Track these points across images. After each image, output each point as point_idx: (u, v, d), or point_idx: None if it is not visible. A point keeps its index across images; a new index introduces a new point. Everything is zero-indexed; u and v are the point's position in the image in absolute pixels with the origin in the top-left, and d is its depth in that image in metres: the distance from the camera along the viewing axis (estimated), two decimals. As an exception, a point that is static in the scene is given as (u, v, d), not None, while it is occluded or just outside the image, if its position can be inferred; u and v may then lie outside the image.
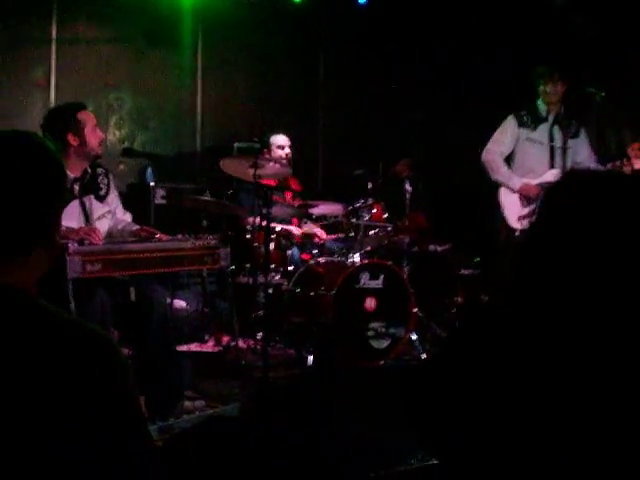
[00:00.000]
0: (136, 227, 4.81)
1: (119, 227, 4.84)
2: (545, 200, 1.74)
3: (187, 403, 4.67)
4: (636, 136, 7.10)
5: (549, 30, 7.98)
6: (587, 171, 1.83)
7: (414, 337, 6.25)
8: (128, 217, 5.00)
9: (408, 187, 6.80)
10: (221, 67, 8.40)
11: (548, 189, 1.78)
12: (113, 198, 4.90)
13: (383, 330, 6.09)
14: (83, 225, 4.54)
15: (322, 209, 6.62)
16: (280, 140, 7.00)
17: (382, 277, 6.12)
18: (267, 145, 6.97)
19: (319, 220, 7.04)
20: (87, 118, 4.62)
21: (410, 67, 9.02)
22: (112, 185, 4.91)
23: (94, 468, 1.42)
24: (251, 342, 6.18)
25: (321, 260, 6.47)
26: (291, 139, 7.10)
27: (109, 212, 4.81)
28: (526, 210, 6.34)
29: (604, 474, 1.47)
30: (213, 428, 3.76)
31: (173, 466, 3.24)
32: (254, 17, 8.27)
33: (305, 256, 6.82)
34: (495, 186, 6.58)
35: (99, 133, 4.69)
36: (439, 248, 7.77)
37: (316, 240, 6.83)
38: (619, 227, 1.58)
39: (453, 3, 8.56)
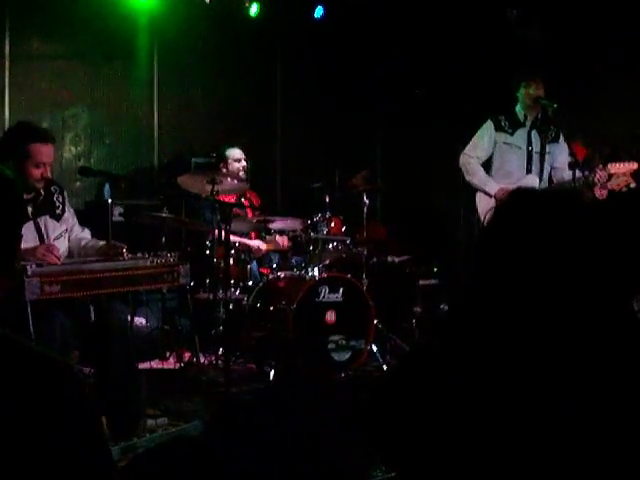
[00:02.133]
0: (102, 243, 4.77)
1: (82, 244, 4.79)
2: (493, 217, 1.78)
3: (149, 421, 4.65)
4: (589, 148, 7.22)
5: (504, 42, 8.10)
6: (534, 190, 1.89)
7: (375, 349, 6.29)
8: (87, 233, 4.94)
9: (365, 200, 6.83)
10: (178, 81, 8.39)
11: (497, 206, 1.83)
12: (69, 216, 4.85)
13: (344, 343, 6.13)
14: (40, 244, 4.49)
15: (280, 224, 6.63)
16: (236, 154, 7.00)
17: (341, 290, 6.16)
18: (224, 158, 6.97)
19: (278, 234, 7.05)
20: (37, 153, 4.42)
21: (368, 79, 9.09)
22: (67, 203, 4.85)
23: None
24: (212, 358, 6.18)
25: (280, 274, 6.48)
26: (249, 153, 7.11)
27: (66, 231, 4.76)
28: None
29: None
30: (177, 447, 3.76)
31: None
32: (210, 31, 8.29)
33: (264, 270, 6.84)
34: (470, 191, 6.60)
35: (40, 171, 4.45)
36: (397, 259, 7.82)
37: (280, 248, 6.84)
38: (560, 246, 1.62)
39: (408, 14, 8.63)
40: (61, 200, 4.77)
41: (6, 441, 1.37)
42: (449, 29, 8.49)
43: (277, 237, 7.01)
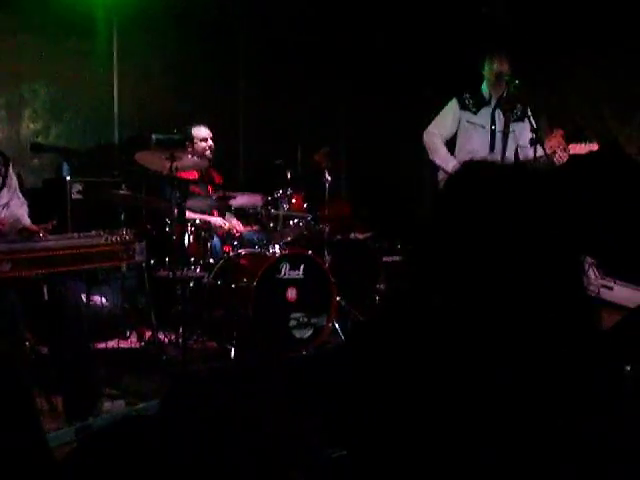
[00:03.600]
0: (21, 225, 4.59)
1: (11, 221, 4.62)
2: (444, 188, 1.75)
3: (106, 404, 4.59)
4: (552, 126, 7.20)
5: (467, 17, 8.06)
6: (484, 163, 1.84)
7: (337, 326, 6.27)
8: (24, 210, 4.75)
9: (327, 176, 6.78)
10: (138, 57, 8.25)
11: (448, 178, 1.79)
12: (9, 189, 4.67)
13: (305, 320, 6.11)
14: None
15: (241, 200, 6.57)
16: (203, 132, 6.94)
17: (302, 267, 6.12)
18: (190, 138, 6.90)
19: (238, 212, 6.98)
20: None
21: (332, 53, 9.02)
22: (11, 175, 4.68)
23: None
24: (172, 336, 6.13)
25: (242, 252, 6.43)
26: (211, 130, 7.04)
27: (7, 204, 4.61)
28: None
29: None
30: (130, 426, 3.70)
31: (87, 467, 3.18)
32: (171, 6, 8.14)
33: (226, 248, 6.78)
34: (431, 168, 6.57)
35: None
36: (361, 236, 7.80)
37: (234, 232, 6.78)
38: (509, 215, 1.59)
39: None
40: (3, 172, 4.62)
41: None
42: (416, 3, 8.43)
43: (233, 220, 6.92)
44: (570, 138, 6.19)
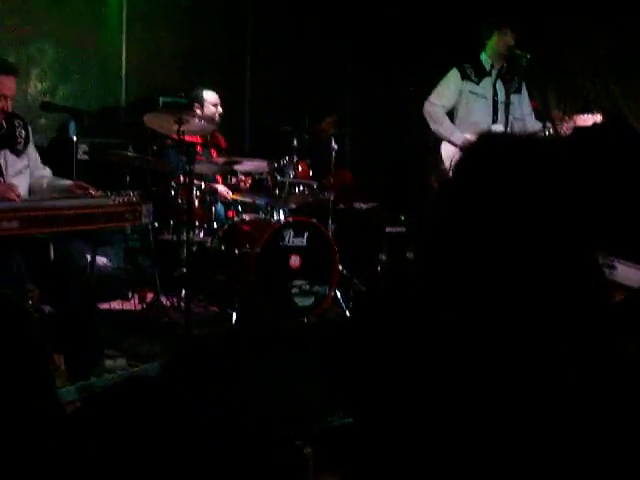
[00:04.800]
0: (68, 182, 4.68)
1: (44, 185, 4.70)
2: (459, 160, 1.75)
3: (108, 362, 4.63)
4: (559, 98, 7.20)
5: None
6: (501, 134, 1.85)
7: (338, 295, 6.29)
8: (48, 172, 4.86)
9: (334, 144, 6.77)
10: (147, 19, 8.21)
11: (463, 150, 1.79)
12: (32, 151, 4.75)
13: (307, 288, 6.13)
14: (2, 181, 4.41)
15: (247, 166, 6.56)
16: (213, 97, 6.95)
17: (306, 235, 6.14)
18: (199, 99, 6.89)
19: (244, 176, 6.99)
20: None
21: (339, 20, 8.98)
22: (31, 138, 4.75)
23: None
24: (174, 300, 6.16)
25: (246, 217, 6.45)
26: (218, 95, 7.04)
27: (27, 167, 4.66)
28: None
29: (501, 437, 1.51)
30: (132, 387, 3.74)
31: (91, 427, 3.21)
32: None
33: (230, 213, 6.79)
34: (434, 140, 6.56)
35: (2, 103, 4.37)
36: (364, 206, 7.80)
37: (225, 199, 6.77)
38: (526, 191, 1.60)
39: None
40: (24, 135, 4.65)
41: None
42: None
43: (219, 187, 6.90)
44: (577, 111, 6.22)
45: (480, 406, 1.52)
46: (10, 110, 4.46)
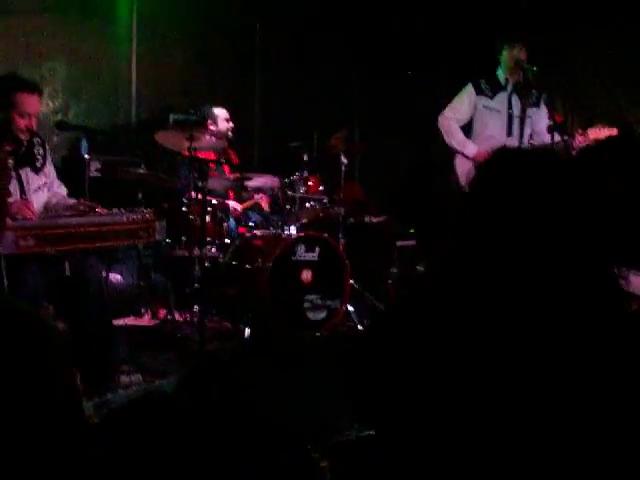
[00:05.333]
0: (72, 201, 4.75)
1: (54, 201, 4.78)
2: (476, 175, 1.78)
3: (123, 377, 4.66)
4: (567, 111, 7.23)
5: (490, 4, 8.06)
6: (514, 149, 1.88)
7: (350, 308, 6.32)
8: (63, 190, 4.92)
9: (344, 159, 6.81)
10: (156, 37, 8.28)
11: (479, 164, 1.82)
12: (50, 169, 4.82)
13: (319, 302, 6.15)
14: (19, 198, 4.47)
15: (258, 182, 6.61)
16: (224, 113, 7.03)
17: (318, 249, 6.17)
18: (212, 116, 6.96)
19: (256, 192, 7.04)
20: (23, 102, 4.43)
21: (347, 39, 9.03)
22: (48, 156, 4.82)
23: (28, 445, 1.43)
24: (187, 315, 6.19)
25: (257, 233, 6.48)
26: (228, 111, 7.12)
27: (45, 184, 4.73)
28: None
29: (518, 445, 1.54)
30: (150, 403, 3.77)
31: (110, 442, 3.24)
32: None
33: (242, 229, 6.83)
34: (448, 153, 6.61)
35: (26, 122, 4.47)
36: (375, 219, 7.83)
37: (234, 213, 6.82)
38: (542, 205, 1.62)
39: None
40: (42, 153, 4.74)
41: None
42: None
43: (255, 196, 7.03)
44: (586, 123, 6.23)
45: (501, 419, 1.54)
46: (34, 127, 4.53)
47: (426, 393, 1.64)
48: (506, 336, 1.56)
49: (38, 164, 4.70)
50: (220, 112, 6.99)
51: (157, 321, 6.27)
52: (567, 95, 7.67)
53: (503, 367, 1.55)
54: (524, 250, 1.60)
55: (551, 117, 6.02)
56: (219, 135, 6.32)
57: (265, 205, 7.06)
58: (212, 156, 6.80)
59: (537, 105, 6.51)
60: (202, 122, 6.90)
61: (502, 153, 1.79)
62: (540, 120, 6.48)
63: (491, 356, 1.57)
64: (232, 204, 6.77)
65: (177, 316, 6.16)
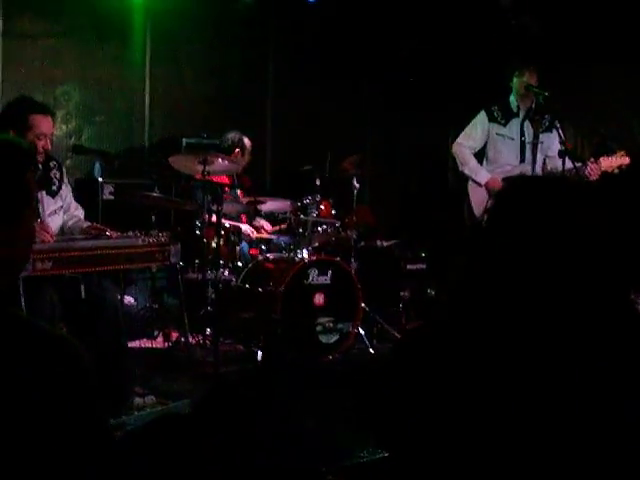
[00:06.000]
0: (86, 224, 4.79)
1: (70, 223, 4.81)
2: (493, 204, 1.80)
3: (137, 400, 4.67)
4: (577, 134, 7.27)
5: (497, 29, 8.12)
6: (532, 177, 1.90)
7: (362, 332, 6.33)
8: (80, 213, 4.94)
9: (355, 184, 6.85)
10: (169, 62, 8.37)
11: (496, 194, 1.85)
12: (66, 193, 4.85)
13: (331, 325, 6.17)
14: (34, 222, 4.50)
15: (270, 205, 6.66)
16: (250, 145, 7.11)
17: (330, 273, 6.20)
18: (241, 145, 7.02)
19: (268, 217, 7.09)
20: (38, 124, 4.46)
21: (359, 62, 9.10)
22: (64, 179, 4.86)
23: (55, 468, 1.45)
24: (200, 338, 6.21)
25: (270, 256, 6.51)
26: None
27: (61, 208, 4.76)
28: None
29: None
30: (165, 425, 3.79)
31: (126, 465, 3.26)
32: (203, 12, 8.26)
33: (254, 252, 6.86)
34: (464, 179, 6.64)
35: (42, 143, 4.50)
36: (386, 243, 7.85)
37: (262, 233, 6.87)
38: (559, 232, 1.65)
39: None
40: (58, 176, 4.78)
41: (10, 412, 1.41)
42: (444, 15, 8.49)
43: (263, 222, 7.07)
44: (598, 151, 6.25)
45: (523, 448, 1.55)
46: (50, 148, 4.57)
47: (444, 418, 1.66)
48: (525, 365, 1.58)
49: (54, 187, 4.73)
50: (248, 142, 7.06)
51: (169, 343, 6.28)
52: (578, 120, 7.70)
53: (523, 395, 1.57)
54: (542, 277, 1.62)
55: (562, 142, 6.05)
56: (242, 164, 6.41)
57: (267, 227, 7.12)
58: (226, 179, 6.84)
59: (549, 130, 6.53)
60: (214, 146, 6.95)
61: (519, 182, 1.81)
62: (553, 145, 6.51)
63: (510, 384, 1.59)
64: (246, 228, 6.81)
65: (190, 339, 6.17)
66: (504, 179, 6.18)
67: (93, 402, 1.56)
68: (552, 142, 6.50)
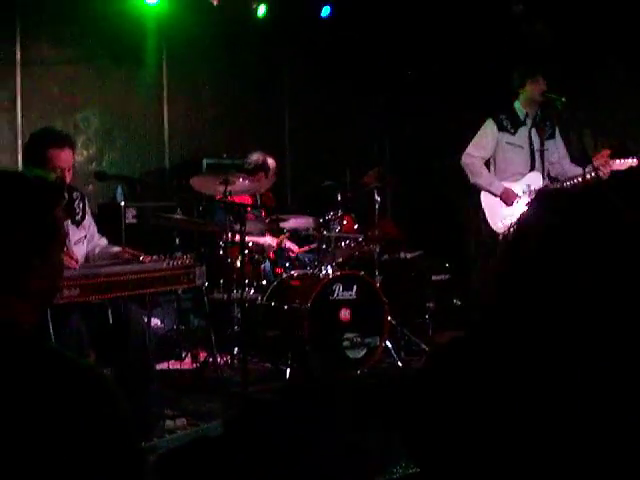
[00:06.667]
0: (116, 249, 4.83)
1: (97, 251, 4.85)
2: (518, 225, 1.77)
3: (168, 422, 4.68)
4: (597, 141, 7.24)
5: (510, 37, 8.10)
6: (558, 193, 1.87)
7: (389, 345, 6.32)
8: (103, 241, 5.00)
9: (377, 197, 6.84)
10: (186, 84, 8.44)
11: (520, 216, 1.81)
12: (89, 222, 4.91)
13: (358, 340, 6.16)
14: None
15: (293, 223, 6.66)
16: (274, 165, 7.13)
17: (355, 288, 6.19)
18: (265, 167, 7.04)
19: (292, 236, 7.10)
20: (55, 157, 4.50)
21: (376, 77, 9.11)
22: (87, 209, 4.91)
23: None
24: (228, 357, 6.22)
25: (294, 273, 6.51)
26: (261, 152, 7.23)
27: (85, 237, 4.82)
28: (507, 215, 6.35)
29: None
30: (198, 448, 3.80)
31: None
32: (218, 32, 8.31)
33: (278, 270, 6.87)
34: (474, 190, 6.60)
35: (60, 174, 4.52)
36: (409, 255, 7.85)
37: (290, 254, 6.89)
38: (591, 252, 1.62)
39: (414, 12, 8.65)
40: (81, 207, 4.84)
41: (44, 448, 1.42)
42: (456, 27, 8.49)
43: (289, 244, 7.10)
44: (616, 154, 6.22)
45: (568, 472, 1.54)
46: (68, 181, 4.60)
47: (479, 435, 1.65)
48: (563, 387, 1.56)
49: (78, 217, 4.79)
50: (273, 163, 7.09)
51: (198, 364, 6.29)
52: (596, 124, 7.67)
53: (562, 415, 1.56)
54: (577, 294, 1.61)
55: (578, 148, 6.06)
56: (266, 186, 6.46)
57: (294, 249, 7.14)
58: (248, 199, 6.86)
59: (553, 137, 6.55)
60: (238, 166, 6.99)
61: (546, 195, 1.80)
62: (555, 152, 6.52)
63: (546, 403, 1.57)
64: (267, 239, 6.83)
65: (218, 359, 6.18)
66: (538, 192, 6.21)
67: (125, 431, 1.57)
68: (555, 149, 6.51)
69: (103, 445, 1.49)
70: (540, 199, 1.78)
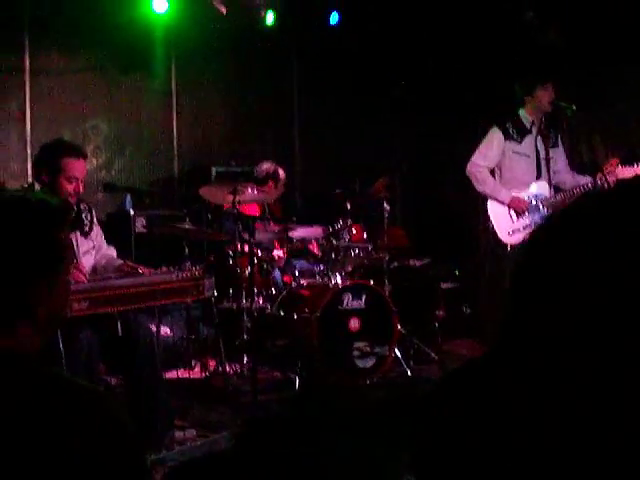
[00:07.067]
0: (119, 262, 4.84)
1: (103, 262, 4.86)
2: (531, 243, 1.73)
3: (178, 433, 4.69)
4: (607, 149, 7.22)
5: (520, 44, 8.08)
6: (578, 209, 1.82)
7: (399, 354, 6.31)
8: (112, 252, 5.00)
9: (386, 206, 6.83)
10: (195, 92, 8.46)
11: (533, 232, 1.78)
12: (97, 233, 4.92)
13: (368, 349, 6.15)
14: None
15: (302, 232, 6.67)
16: (284, 175, 7.13)
17: (364, 297, 6.18)
18: (275, 177, 7.05)
19: (300, 243, 7.10)
20: (69, 167, 4.50)
21: (385, 84, 9.11)
22: (95, 220, 4.92)
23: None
24: (237, 366, 6.22)
25: (303, 282, 6.51)
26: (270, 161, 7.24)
27: (93, 248, 4.82)
28: (516, 224, 6.31)
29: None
30: (209, 462, 3.80)
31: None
32: (227, 41, 8.32)
33: (287, 279, 6.87)
34: (481, 198, 6.56)
35: (73, 186, 4.51)
36: (418, 263, 7.84)
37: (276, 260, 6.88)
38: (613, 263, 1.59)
39: (424, 18, 8.64)
40: (89, 218, 4.85)
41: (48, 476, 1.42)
42: (467, 36, 8.48)
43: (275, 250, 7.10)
44: (625, 161, 6.19)
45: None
46: (82, 191, 4.62)
47: (494, 465, 1.62)
48: (584, 414, 1.53)
49: (86, 228, 4.80)
50: (282, 175, 7.09)
51: (207, 373, 6.30)
52: (607, 132, 7.65)
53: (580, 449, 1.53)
54: (612, 309, 1.57)
55: (569, 157, 6.04)
56: (274, 196, 6.45)
57: (316, 250, 7.10)
58: (256, 208, 6.86)
59: (556, 145, 6.52)
60: (250, 175, 7.00)
61: (562, 215, 1.77)
62: (559, 160, 6.50)
63: (566, 431, 1.54)
64: (278, 253, 6.83)
65: (227, 368, 6.19)
66: (528, 197, 6.22)
67: (133, 455, 1.57)
68: (558, 157, 6.49)
69: (110, 467, 1.49)
70: (554, 219, 1.74)
